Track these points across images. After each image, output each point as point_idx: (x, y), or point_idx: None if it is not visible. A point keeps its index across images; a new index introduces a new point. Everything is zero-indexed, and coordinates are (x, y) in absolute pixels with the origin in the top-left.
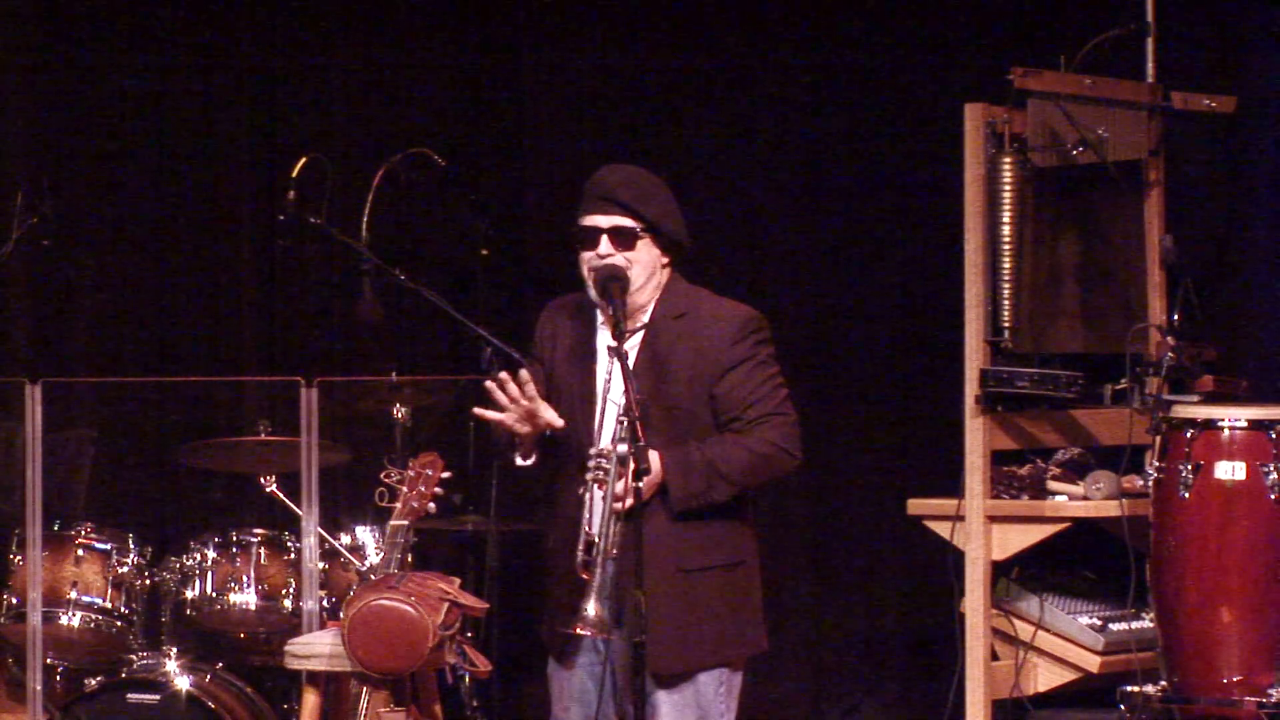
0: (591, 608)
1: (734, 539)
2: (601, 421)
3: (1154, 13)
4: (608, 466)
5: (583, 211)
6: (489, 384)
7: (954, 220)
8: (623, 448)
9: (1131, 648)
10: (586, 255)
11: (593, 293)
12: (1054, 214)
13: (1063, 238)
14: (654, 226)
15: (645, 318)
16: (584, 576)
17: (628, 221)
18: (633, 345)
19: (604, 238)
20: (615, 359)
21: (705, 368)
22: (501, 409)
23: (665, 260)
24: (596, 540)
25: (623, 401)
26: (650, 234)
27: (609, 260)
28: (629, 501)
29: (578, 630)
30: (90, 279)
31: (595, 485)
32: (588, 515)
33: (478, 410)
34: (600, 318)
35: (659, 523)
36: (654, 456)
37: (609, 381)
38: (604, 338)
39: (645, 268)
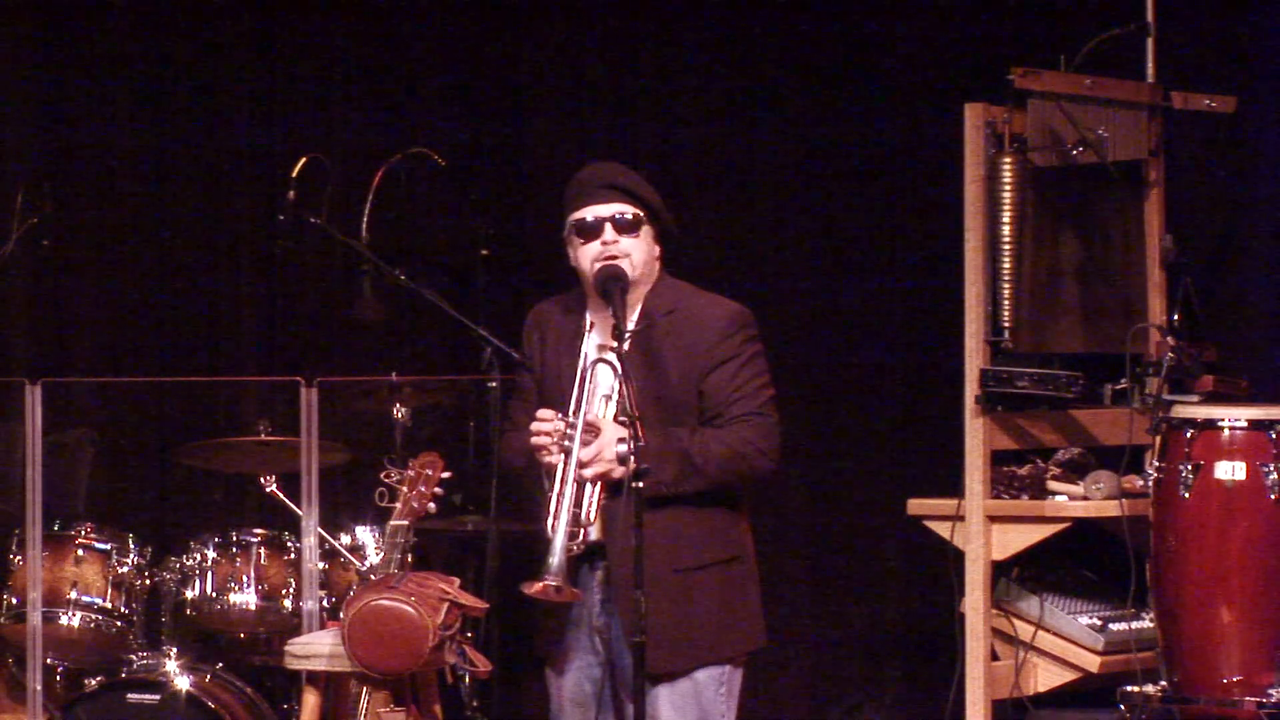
0: (554, 561)
1: (729, 535)
2: (586, 410)
3: (1154, 13)
4: (573, 434)
5: (578, 205)
6: (539, 425)
7: (954, 220)
8: (623, 448)
9: (1131, 648)
10: (589, 248)
11: (593, 287)
12: (1054, 214)
13: (1063, 238)
14: (654, 213)
15: (635, 314)
16: (549, 536)
17: (629, 208)
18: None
19: (607, 226)
20: (616, 359)
21: (694, 363)
22: (541, 446)
23: (657, 252)
24: (565, 505)
25: (615, 395)
26: (650, 222)
27: (612, 251)
28: (595, 470)
29: (538, 587)
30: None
31: (563, 454)
32: (558, 484)
33: (546, 459)
34: (587, 317)
35: (652, 522)
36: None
37: (588, 371)
38: (592, 338)
39: (644, 255)
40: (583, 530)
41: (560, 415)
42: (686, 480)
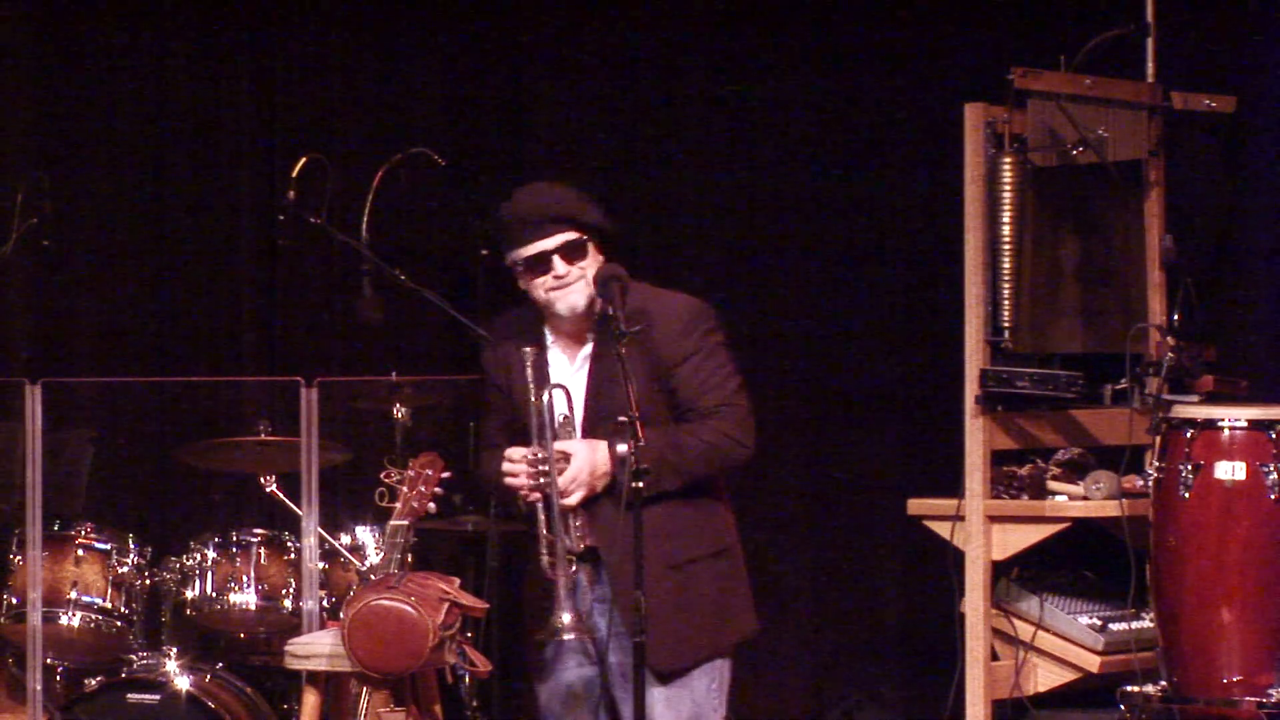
0: (566, 614)
1: (716, 527)
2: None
3: (1154, 13)
4: (545, 468)
5: (521, 243)
6: (512, 465)
7: (954, 220)
8: (622, 448)
9: (1131, 648)
10: (539, 282)
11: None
12: (1054, 214)
13: (1063, 238)
14: (599, 231)
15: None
16: (551, 579)
17: (572, 235)
18: (585, 353)
19: (555, 258)
20: (616, 359)
21: (657, 363)
22: (519, 488)
23: (601, 258)
24: (556, 540)
25: (572, 415)
26: (594, 241)
27: (566, 281)
28: (576, 497)
29: (560, 638)
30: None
31: (542, 495)
32: (542, 517)
33: (527, 500)
34: (550, 336)
35: (643, 521)
36: (602, 448)
37: (543, 403)
38: (555, 355)
39: (594, 273)
40: (575, 559)
41: (530, 451)
42: (666, 478)
